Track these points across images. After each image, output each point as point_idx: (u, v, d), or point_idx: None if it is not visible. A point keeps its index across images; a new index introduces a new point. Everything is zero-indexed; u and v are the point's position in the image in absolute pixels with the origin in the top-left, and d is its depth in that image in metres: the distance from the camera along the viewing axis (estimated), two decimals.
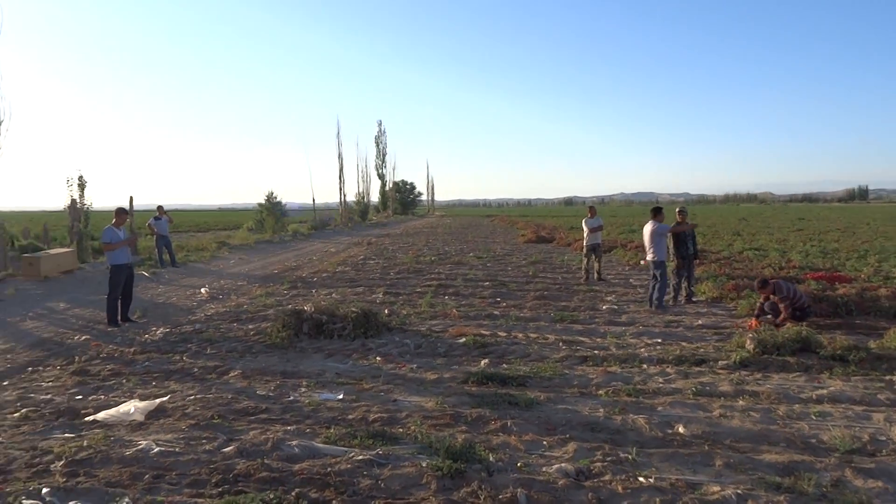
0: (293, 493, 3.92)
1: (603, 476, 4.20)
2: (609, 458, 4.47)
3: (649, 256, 11.02)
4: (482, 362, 7.24)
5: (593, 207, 15.80)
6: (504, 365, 7.17)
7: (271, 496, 3.86)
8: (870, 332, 8.55)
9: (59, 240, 20.89)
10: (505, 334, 8.77)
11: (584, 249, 14.84)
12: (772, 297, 9.21)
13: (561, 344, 8.20)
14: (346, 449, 4.64)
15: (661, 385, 6.37)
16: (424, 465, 4.32)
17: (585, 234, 14.79)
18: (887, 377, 6.50)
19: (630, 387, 6.26)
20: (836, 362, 6.98)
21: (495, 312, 10.46)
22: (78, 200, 18.56)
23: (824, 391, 6.06)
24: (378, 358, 7.56)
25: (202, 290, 13.58)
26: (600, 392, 6.16)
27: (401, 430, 5.10)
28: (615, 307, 10.99)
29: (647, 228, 11.08)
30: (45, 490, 3.95)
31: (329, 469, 4.26)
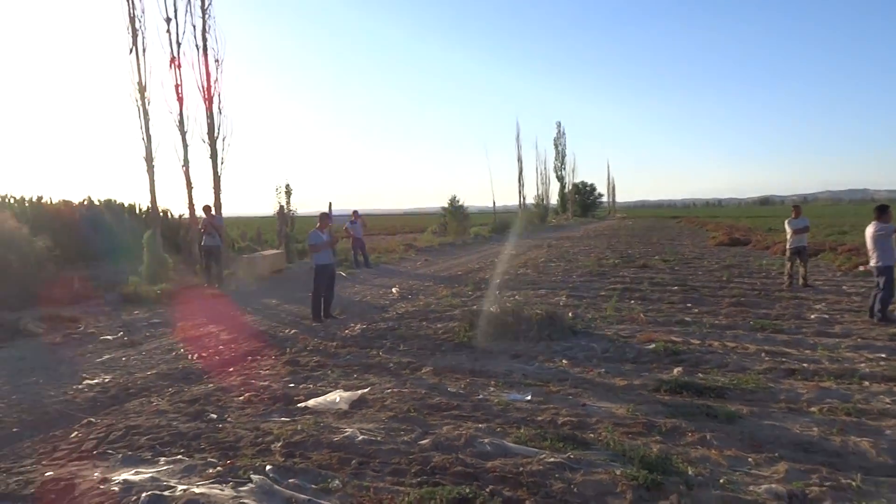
0: (487, 490, 4.01)
1: (822, 502, 3.82)
2: (828, 483, 4.05)
3: (872, 262, 9.85)
4: (675, 370, 6.90)
5: (798, 207, 14.43)
6: (699, 374, 6.78)
7: (466, 490, 3.98)
8: None
9: (270, 242, 23.21)
10: (698, 342, 8.30)
11: (788, 253, 13.60)
12: None
13: (763, 354, 7.59)
14: (536, 450, 4.66)
15: (888, 406, 5.65)
16: (619, 472, 4.21)
17: (789, 236, 13.55)
18: None
19: (849, 405, 5.62)
20: None
21: (686, 318, 9.93)
22: (285, 207, 20.49)
23: None
24: (564, 361, 7.50)
25: (393, 289, 14.36)
26: (812, 409, 5.60)
27: (591, 435, 5.01)
28: (826, 316, 9.95)
29: (870, 230, 9.90)
30: (268, 467, 4.40)
31: (521, 469, 4.30)
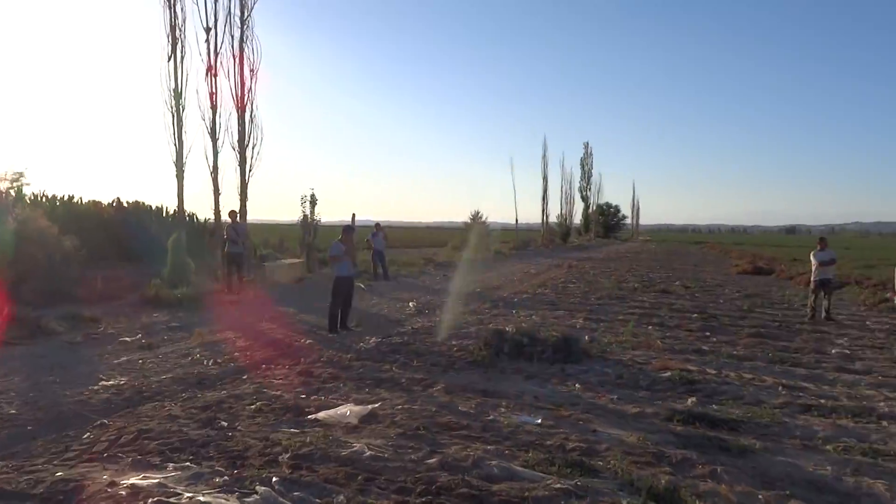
0: None
1: None
2: None
3: None
4: (689, 400, 6.82)
5: (824, 239, 14.27)
6: (714, 405, 6.70)
7: None
8: None
9: (291, 250, 23.41)
10: (714, 372, 8.20)
11: (812, 285, 13.42)
12: None
13: (780, 388, 7.47)
14: (543, 475, 4.63)
15: None
16: (625, 502, 4.17)
17: (814, 268, 13.38)
18: None
19: (866, 445, 5.52)
20: None
21: (704, 347, 9.82)
22: (309, 216, 20.67)
23: None
24: (577, 385, 7.46)
25: (410, 303, 14.40)
26: (828, 447, 5.50)
27: (600, 462, 4.97)
28: (847, 352, 9.78)
29: None
30: (274, 479, 4.42)
31: (527, 493, 4.27)
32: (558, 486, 4.40)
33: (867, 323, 12.91)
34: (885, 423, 6.27)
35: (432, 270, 23.74)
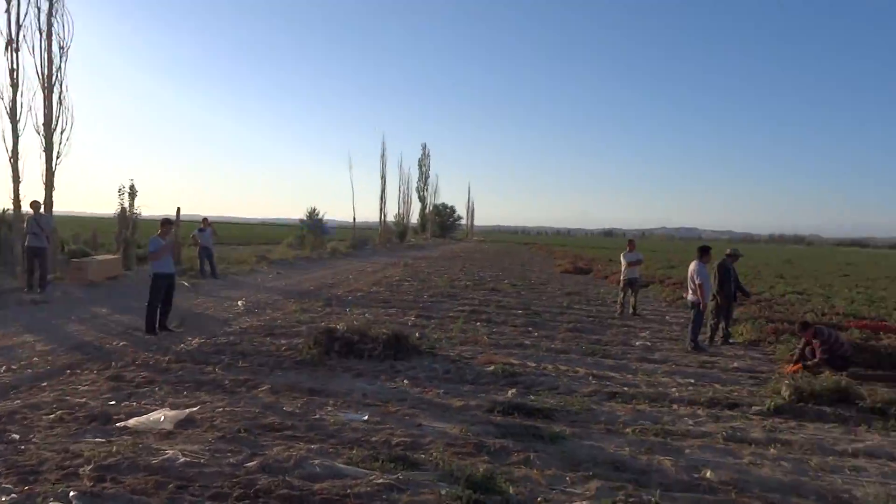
0: None
1: None
2: (632, 500, 4.38)
3: (689, 296, 10.94)
4: (509, 392, 7.20)
5: (632, 241, 15.69)
6: (531, 396, 7.12)
7: None
8: None
9: (106, 246, 21.52)
10: (534, 365, 8.71)
11: (621, 283, 14.70)
12: (812, 341, 8.98)
13: (591, 378, 8.11)
14: (367, 471, 4.65)
15: (690, 427, 6.24)
16: (444, 493, 4.30)
17: (623, 268, 14.66)
18: None
19: (658, 427, 6.14)
20: (875, 416, 6.75)
21: (526, 342, 10.41)
22: (128, 209, 19.14)
23: (861, 445, 5.86)
24: (406, 381, 7.58)
25: (239, 302, 13.82)
26: (627, 430, 6.06)
27: (423, 455, 5.09)
28: (649, 344, 10.83)
29: (692, 267, 10.98)
30: (72, 493, 4.05)
31: (349, 491, 4.27)
32: (380, 481, 4.44)
33: (666, 317, 14.38)
34: (675, 406, 7.02)
35: (265, 268, 22.96)
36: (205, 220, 19.94)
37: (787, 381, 7.57)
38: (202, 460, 4.73)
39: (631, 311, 14.37)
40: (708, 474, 4.95)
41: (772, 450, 5.65)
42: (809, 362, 8.79)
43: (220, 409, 6.06)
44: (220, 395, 6.70)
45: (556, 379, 7.97)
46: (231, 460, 4.78)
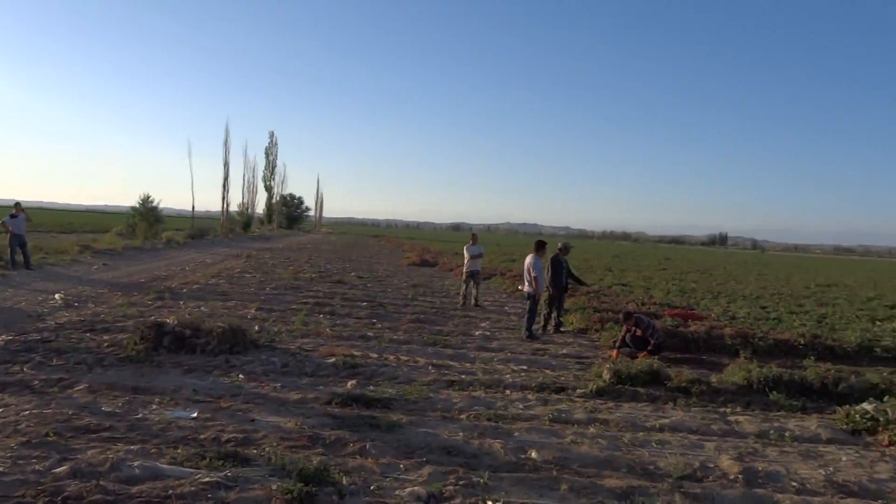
0: None
1: (453, 500, 4.26)
2: (462, 482, 4.54)
3: (525, 287, 11.51)
4: (349, 383, 7.17)
5: (475, 234, 16.22)
6: (371, 387, 7.14)
7: None
8: (713, 367, 9.24)
9: None
10: (376, 356, 8.75)
11: (464, 275, 15.15)
12: (634, 329, 9.77)
13: (430, 367, 8.29)
14: (192, 470, 4.43)
15: (521, 411, 6.57)
16: (274, 487, 4.20)
17: (466, 261, 15.11)
18: (722, 409, 7.07)
19: (491, 412, 6.41)
20: (680, 394, 7.50)
21: (369, 333, 10.42)
22: None
23: (667, 420, 6.48)
24: (241, 376, 7.31)
25: (56, 295, 12.58)
26: (462, 416, 6.26)
27: (254, 451, 4.94)
28: (488, 333, 11.26)
29: (528, 260, 11.54)
30: None
31: (171, 492, 4.04)
32: (207, 479, 4.25)
33: (506, 308, 15.03)
34: (508, 391, 7.36)
35: (89, 258, 21.08)
36: (17, 204, 17.94)
37: (607, 366, 8.19)
38: (2, 468, 4.27)
39: (473, 302, 14.85)
40: (533, 454, 5.24)
41: (591, 429, 6.10)
42: (648, 349, 9.47)
43: (27, 412, 5.50)
44: (27, 396, 6.07)
45: (396, 369, 8.06)
46: (37, 467, 4.35)
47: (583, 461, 5.19)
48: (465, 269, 15.17)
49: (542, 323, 11.84)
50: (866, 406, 6.83)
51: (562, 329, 11.97)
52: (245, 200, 60.86)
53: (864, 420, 6.57)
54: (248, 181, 62.01)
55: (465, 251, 15.34)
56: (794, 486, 4.97)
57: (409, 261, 29.98)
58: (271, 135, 70.18)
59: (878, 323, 14.84)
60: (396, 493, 4.32)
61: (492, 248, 47.19)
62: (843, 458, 5.68)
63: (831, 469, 5.37)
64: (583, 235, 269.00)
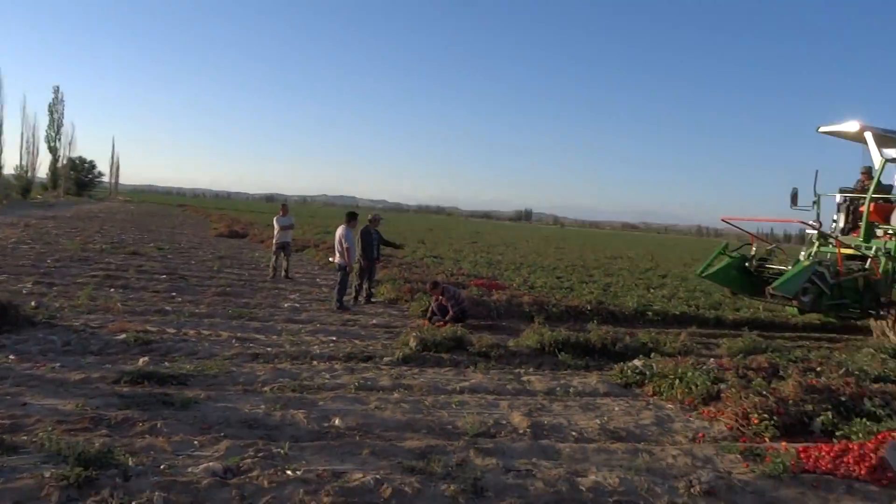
0: None
1: (251, 472, 4.16)
2: (261, 454, 4.44)
3: (336, 259, 11.45)
4: (141, 360, 6.69)
5: (285, 205, 15.81)
6: (166, 363, 6.73)
7: None
8: (512, 333, 9.88)
9: None
10: (174, 331, 8.25)
11: (274, 247, 14.73)
12: (441, 298, 10.13)
13: (234, 341, 7.99)
14: None
15: (327, 381, 6.57)
16: (48, 475, 3.82)
17: (276, 232, 14.68)
18: (516, 370, 7.62)
19: (296, 383, 6.35)
20: (480, 358, 7.95)
21: (167, 308, 9.79)
22: None
23: (467, 383, 6.85)
24: (12, 357, 6.52)
25: None
26: (265, 389, 6.13)
27: (25, 437, 4.45)
28: (297, 305, 11.08)
29: (339, 231, 11.48)
30: None
31: None
32: None
33: (317, 280, 14.87)
34: (315, 362, 7.32)
35: None
36: None
37: (414, 334, 8.44)
38: None
39: (283, 274, 14.51)
40: (337, 422, 5.28)
41: (395, 394, 6.27)
42: (446, 318, 9.83)
43: None
44: None
45: (196, 344, 7.67)
46: None
47: (385, 425, 5.33)
48: (274, 241, 14.74)
49: (354, 294, 11.90)
50: (636, 362, 7.73)
51: (373, 300, 12.11)
52: (23, 163, 53.88)
53: (635, 374, 7.43)
54: (28, 141, 54.91)
55: (274, 222, 14.88)
56: (573, 436, 5.51)
57: (217, 232, 28.48)
58: (56, 90, 62.55)
59: (651, 290, 16.79)
60: (189, 469, 4.12)
61: (306, 219, 46.33)
62: (616, 409, 6.38)
63: (605, 418, 6.02)
64: (399, 209, 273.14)
